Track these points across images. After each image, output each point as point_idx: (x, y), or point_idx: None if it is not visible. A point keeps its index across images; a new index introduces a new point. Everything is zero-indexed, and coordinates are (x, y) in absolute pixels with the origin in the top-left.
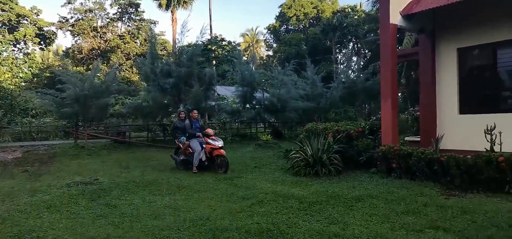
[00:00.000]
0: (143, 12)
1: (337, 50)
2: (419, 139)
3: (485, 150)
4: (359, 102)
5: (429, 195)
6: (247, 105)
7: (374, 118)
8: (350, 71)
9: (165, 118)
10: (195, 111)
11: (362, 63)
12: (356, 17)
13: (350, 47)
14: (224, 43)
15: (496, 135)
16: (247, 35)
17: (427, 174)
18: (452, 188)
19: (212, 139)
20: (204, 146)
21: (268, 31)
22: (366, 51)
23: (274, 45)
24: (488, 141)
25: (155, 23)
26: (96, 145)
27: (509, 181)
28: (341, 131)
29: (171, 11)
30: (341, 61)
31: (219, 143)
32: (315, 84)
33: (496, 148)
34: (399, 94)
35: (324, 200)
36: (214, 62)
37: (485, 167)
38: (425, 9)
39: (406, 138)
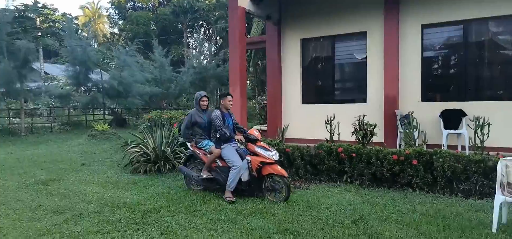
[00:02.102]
0: None
1: (189, 34)
2: (266, 128)
3: (325, 139)
4: (210, 89)
5: None
6: (83, 88)
7: None
8: (202, 57)
9: None
10: (229, 97)
11: (213, 49)
12: (207, 2)
13: (202, 32)
14: (55, 14)
15: (335, 125)
16: (88, 8)
17: None
18: (297, 179)
19: (262, 147)
20: (247, 157)
21: (112, 6)
22: (218, 38)
23: (120, 22)
24: (328, 131)
25: None
26: None
27: (347, 171)
28: None
29: None
30: (193, 46)
31: (274, 155)
32: (164, 67)
33: (335, 138)
34: (248, 82)
35: (163, 206)
36: (39, 34)
37: (326, 157)
38: None
39: (254, 127)
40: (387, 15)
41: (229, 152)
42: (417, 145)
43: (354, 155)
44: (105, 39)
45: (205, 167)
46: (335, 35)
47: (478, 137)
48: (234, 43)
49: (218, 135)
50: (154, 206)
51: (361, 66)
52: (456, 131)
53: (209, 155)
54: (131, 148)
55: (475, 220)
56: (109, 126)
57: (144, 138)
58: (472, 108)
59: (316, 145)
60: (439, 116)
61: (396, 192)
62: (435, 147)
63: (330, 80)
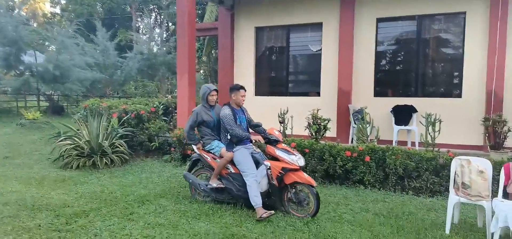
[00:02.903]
0: None
1: (139, 19)
2: None
3: None
4: (159, 77)
5: None
6: (15, 71)
7: (169, 96)
8: (152, 43)
9: None
10: (243, 91)
11: (165, 35)
12: None
13: (153, 17)
14: None
15: (288, 119)
16: None
17: None
18: None
19: (284, 151)
20: (265, 163)
21: None
22: (169, 24)
23: (63, 1)
24: (281, 125)
25: None
26: None
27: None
28: (129, 110)
29: None
30: (143, 31)
31: (299, 159)
32: (108, 52)
33: (288, 132)
34: (201, 71)
35: (94, 209)
36: None
37: None
38: None
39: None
40: (343, 7)
41: (242, 156)
42: (369, 140)
43: (307, 150)
44: (45, 19)
45: (214, 174)
46: (290, 25)
47: (429, 133)
48: (182, 26)
49: (228, 136)
50: (83, 208)
51: (316, 58)
52: (407, 127)
53: (219, 160)
54: (63, 140)
55: (427, 220)
56: (41, 114)
57: (78, 129)
58: (422, 104)
59: None
60: (391, 111)
61: (348, 189)
62: (386, 143)
63: (284, 72)
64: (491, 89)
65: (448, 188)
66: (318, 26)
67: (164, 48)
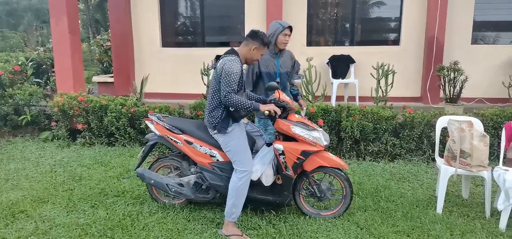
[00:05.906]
0: None
1: None
2: (113, 79)
3: (202, 95)
4: (24, 25)
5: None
6: None
7: (42, 49)
8: None
9: None
10: (265, 48)
11: None
12: None
13: None
14: None
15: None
16: None
17: (132, 135)
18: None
19: (303, 126)
20: (277, 144)
21: None
22: None
23: None
24: (205, 83)
25: None
26: None
27: None
28: None
29: None
30: None
31: (322, 136)
32: None
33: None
34: (79, 21)
35: None
36: None
37: None
38: None
39: (95, 79)
40: None
41: (237, 140)
42: (315, 99)
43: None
44: None
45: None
46: None
47: (380, 87)
48: None
49: (230, 107)
50: None
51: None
52: (347, 81)
53: (199, 145)
54: None
55: (409, 197)
56: None
57: None
58: (357, 53)
59: (192, 104)
60: (327, 63)
61: None
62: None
63: (199, 17)
64: (433, 34)
65: (409, 151)
66: None
67: None
